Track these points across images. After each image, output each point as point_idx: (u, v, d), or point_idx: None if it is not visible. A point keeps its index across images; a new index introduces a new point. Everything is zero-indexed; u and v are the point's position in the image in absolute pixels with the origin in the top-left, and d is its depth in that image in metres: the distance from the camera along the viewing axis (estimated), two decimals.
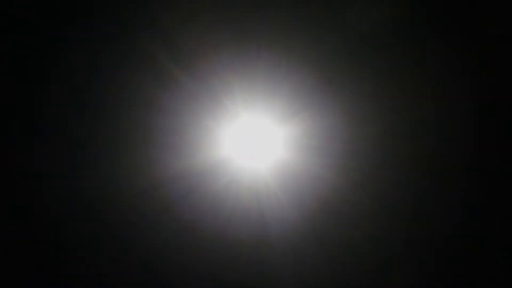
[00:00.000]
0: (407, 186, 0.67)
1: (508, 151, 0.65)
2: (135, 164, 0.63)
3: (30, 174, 0.64)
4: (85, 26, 0.63)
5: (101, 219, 0.64)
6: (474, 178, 0.75)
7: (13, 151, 0.64)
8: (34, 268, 0.64)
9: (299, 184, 0.63)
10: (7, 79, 0.62)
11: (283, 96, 0.63)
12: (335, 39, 0.63)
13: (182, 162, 0.64)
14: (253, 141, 0.63)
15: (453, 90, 0.65)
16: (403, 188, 0.67)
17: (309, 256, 0.65)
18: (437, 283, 0.63)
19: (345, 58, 0.63)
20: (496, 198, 0.76)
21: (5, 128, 0.63)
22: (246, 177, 0.64)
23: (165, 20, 0.63)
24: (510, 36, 0.64)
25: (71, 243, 0.64)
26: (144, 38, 0.62)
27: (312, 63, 0.64)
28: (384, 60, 0.64)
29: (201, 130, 0.64)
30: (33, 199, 0.64)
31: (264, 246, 0.64)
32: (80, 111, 0.64)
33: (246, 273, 0.65)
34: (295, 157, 0.62)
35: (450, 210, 0.71)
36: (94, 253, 0.64)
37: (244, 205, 0.64)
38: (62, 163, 0.64)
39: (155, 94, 0.63)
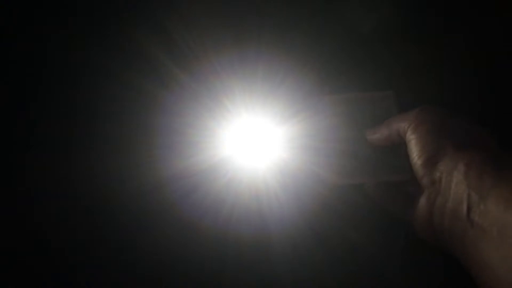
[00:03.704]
0: None
1: (509, 149, 0.65)
2: (135, 164, 0.63)
3: (31, 174, 0.65)
4: (85, 26, 0.63)
5: (102, 219, 0.65)
6: None
7: (16, 152, 0.65)
8: (34, 268, 0.64)
9: (299, 184, 0.63)
10: (5, 78, 0.63)
11: (283, 96, 0.63)
12: (335, 40, 0.63)
13: (182, 162, 0.64)
14: (253, 141, 0.64)
15: (453, 91, 0.65)
16: None
17: (309, 256, 0.65)
18: (437, 283, 0.63)
19: (345, 58, 0.63)
20: None
21: (6, 129, 0.64)
22: (246, 176, 0.65)
23: (166, 20, 0.63)
24: (510, 36, 0.64)
25: (72, 243, 0.64)
26: (144, 38, 0.63)
27: (312, 63, 0.64)
28: (384, 61, 0.64)
29: (202, 130, 0.64)
30: (34, 199, 0.64)
31: (264, 245, 0.65)
32: (80, 111, 0.65)
33: (246, 272, 0.65)
34: (295, 157, 0.62)
35: None
36: (95, 253, 0.64)
37: (244, 205, 0.65)
38: (63, 163, 0.64)
39: (156, 95, 0.63)
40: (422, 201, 0.43)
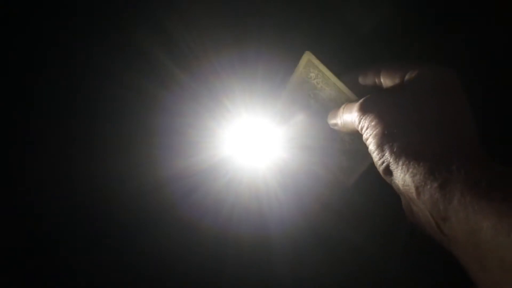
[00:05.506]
0: None
1: (509, 149, 0.65)
2: (135, 164, 0.63)
3: (31, 174, 0.65)
4: (85, 26, 0.63)
5: (102, 219, 0.65)
6: None
7: (16, 152, 0.65)
8: (34, 268, 0.64)
9: (299, 184, 0.63)
10: (5, 78, 0.63)
11: (283, 96, 0.63)
12: (335, 40, 0.63)
13: (182, 162, 0.64)
14: (253, 141, 0.63)
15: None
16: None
17: (309, 255, 0.65)
18: (437, 283, 0.63)
19: (345, 58, 0.63)
20: None
21: (6, 129, 0.64)
22: (246, 176, 0.65)
23: (166, 20, 0.63)
24: (510, 36, 0.64)
25: (72, 243, 0.64)
26: (144, 38, 0.62)
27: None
28: (384, 61, 0.64)
29: (202, 130, 0.64)
30: (34, 199, 0.64)
31: (264, 245, 0.65)
32: (80, 111, 0.65)
33: (245, 272, 0.65)
34: (295, 157, 0.62)
35: None
36: (95, 253, 0.64)
37: (244, 205, 0.65)
38: (63, 163, 0.64)
39: (156, 95, 0.63)
40: (403, 204, 0.42)
